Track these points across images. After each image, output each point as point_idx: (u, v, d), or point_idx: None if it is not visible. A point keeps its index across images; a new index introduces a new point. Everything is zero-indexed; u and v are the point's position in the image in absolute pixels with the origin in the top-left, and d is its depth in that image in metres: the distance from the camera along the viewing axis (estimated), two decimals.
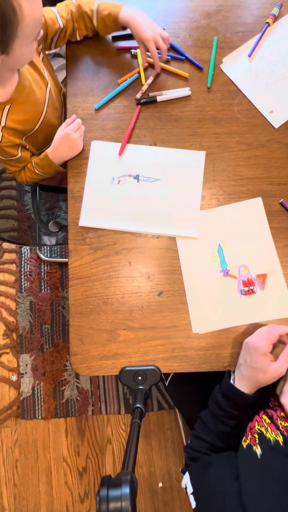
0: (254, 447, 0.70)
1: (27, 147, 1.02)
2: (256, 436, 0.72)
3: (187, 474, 0.76)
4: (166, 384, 1.09)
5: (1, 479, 1.56)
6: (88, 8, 0.95)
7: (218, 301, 0.90)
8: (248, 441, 0.72)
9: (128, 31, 0.99)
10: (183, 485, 0.76)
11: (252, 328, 0.89)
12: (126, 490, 0.49)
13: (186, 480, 0.75)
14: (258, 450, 0.69)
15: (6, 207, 1.44)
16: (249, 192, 0.95)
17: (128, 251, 0.93)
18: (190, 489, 0.73)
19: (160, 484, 1.54)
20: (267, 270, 0.91)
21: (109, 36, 1.03)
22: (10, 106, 0.89)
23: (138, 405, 0.66)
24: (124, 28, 0.98)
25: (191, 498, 0.71)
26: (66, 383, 1.63)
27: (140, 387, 0.72)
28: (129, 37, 1.03)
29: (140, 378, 0.74)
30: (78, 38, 1.00)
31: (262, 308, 0.89)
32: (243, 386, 0.77)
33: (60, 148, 0.95)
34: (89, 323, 0.90)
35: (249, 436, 0.73)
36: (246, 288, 0.90)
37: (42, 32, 0.80)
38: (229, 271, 0.91)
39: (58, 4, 0.96)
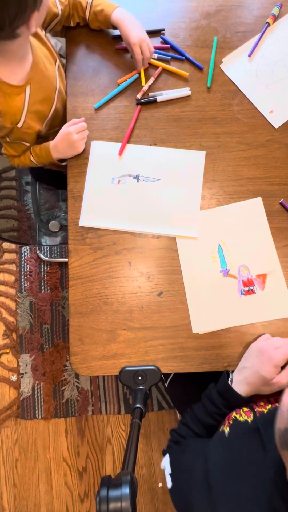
0: (225, 429, 0.73)
1: (42, 133, 1.01)
2: (231, 422, 0.74)
3: (167, 455, 0.77)
4: (166, 385, 1.09)
5: (1, 479, 1.56)
6: None
7: (218, 301, 0.90)
8: (222, 428, 0.75)
9: None
10: (162, 467, 0.77)
11: (253, 329, 0.89)
12: (126, 490, 0.49)
13: (166, 461, 0.77)
14: (226, 430, 0.72)
15: (6, 207, 1.44)
16: (249, 192, 0.95)
17: (128, 251, 0.93)
18: (168, 470, 0.74)
19: (160, 484, 1.54)
20: (267, 270, 0.91)
21: (109, 36, 1.03)
22: (30, 86, 0.89)
23: (138, 405, 0.66)
24: (114, 27, 0.99)
25: (168, 478, 0.73)
26: (66, 383, 1.63)
27: (140, 387, 0.72)
28: None
29: (140, 378, 0.74)
30: (72, 24, 1.02)
31: (262, 308, 0.89)
32: (241, 389, 0.78)
33: (59, 144, 0.96)
34: (89, 323, 0.90)
35: (226, 424, 0.75)
36: (246, 288, 0.90)
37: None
38: (229, 271, 0.91)
39: None
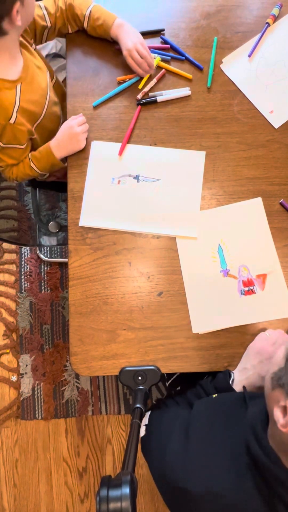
0: (213, 395, 0.77)
1: (34, 137, 1.01)
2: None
3: (149, 412, 0.82)
4: (167, 384, 1.09)
5: (1, 479, 1.56)
6: (80, 11, 0.97)
7: (218, 301, 0.90)
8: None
9: None
10: (142, 423, 0.79)
11: (253, 329, 0.89)
12: (126, 490, 0.49)
13: (146, 417, 0.81)
14: (214, 395, 0.77)
15: (6, 207, 1.44)
16: (249, 192, 0.95)
17: (128, 251, 0.93)
18: (145, 422, 0.79)
19: None
20: (267, 270, 0.91)
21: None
22: (21, 85, 0.89)
23: (138, 405, 0.67)
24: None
25: (143, 429, 0.78)
26: (66, 384, 1.63)
27: (140, 387, 0.72)
28: None
29: (140, 378, 0.74)
30: (70, 31, 1.02)
31: (262, 308, 0.89)
32: (240, 390, 0.78)
33: (61, 138, 0.96)
34: (89, 323, 0.90)
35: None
36: (246, 288, 0.90)
37: None
38: (229, 271, 0.91)
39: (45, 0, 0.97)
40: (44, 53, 1.16)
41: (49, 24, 0.96)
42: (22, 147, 0.97)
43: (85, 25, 0.99)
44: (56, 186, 1.34)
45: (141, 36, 0.98)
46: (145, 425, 0.79)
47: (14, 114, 0.90)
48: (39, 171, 1.01)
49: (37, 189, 1.40)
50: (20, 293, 1.72)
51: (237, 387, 0.78)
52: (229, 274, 0.91)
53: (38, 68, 0.96)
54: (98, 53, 1.03)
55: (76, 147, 0.97)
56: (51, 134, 1.01)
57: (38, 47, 1.02)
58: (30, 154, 1.01)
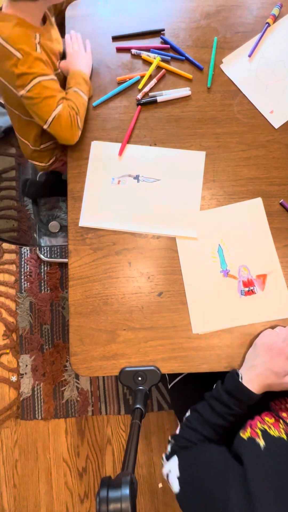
0: (256, 439, 0.69)
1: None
2: (259, 431, 0.71)
3: (174, 459, 0.73)
4: (169, 386, 1.08)
5: (1, 479, 1.56)
6: None
7: (218, 302, 0.90)
8: (248, 434, 0.72)
9: (128, 32, 1.01)
10: (166, 471, 0.74)
11: (253, 329, 0.89)
12: (126, 491, 0.49)
13: (171, 465, 0.73)
14: (261, 442, 0.68)
15: (6, 207, 1.44)
16: (249, 193, 0.95)
17: (128, 251, 0.93)
18: (175, 474, 0.70)
19: (160, 485, 1.54)
20: (267, 271, 0.91)
21: (109, 36, 1.03)
22: (40, 35, 0.89)
23: (138, 406, 0.66)
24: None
25: (176, 482, 0.69)
26: (66, 384, 1.63)
27: (140, 387, 0.72)
28: (129, 37, 1.03)
29: (140, 378, 0.74)
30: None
31: (262, 309, 0.89)
32: (252, 387, 0.77)
33: (73, 59, 0.99)
34: (89, 324, 0.90)
35: (249, 430, 0.73)
36: (246, 289, 0.90)
37: None
38: (229, 271, 0.91)
39: None
40: None
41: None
42: (50, 76, 0.91)
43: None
44: (55, 192, 1.34)
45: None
46: (177, 477, 0.70)
47: (39, 48, 0.88)
48: (85, 94, 0.97)
49: (37, 189, 1.40)
50: (20, 293, 1.72)
51: (249, 385, 0.76)
52: (229, 274, 0.91)
53: (56, 39, 0.97)
54: (98, 53, 1.03)
55: (89, 61, 1.01)
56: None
57: None
58: (75, 87, 0.96)
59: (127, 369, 0.76)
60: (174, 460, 0.73)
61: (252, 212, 0.94)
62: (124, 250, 0.93)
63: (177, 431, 0.82)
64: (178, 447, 0.78)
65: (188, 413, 0.83)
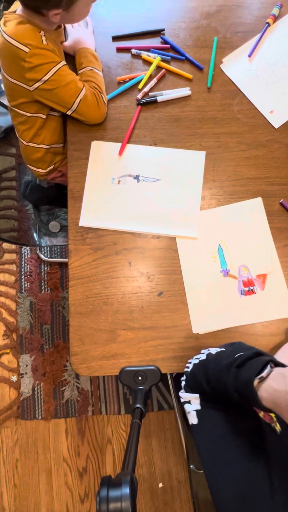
0: (272, 424, 0.65)
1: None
2: (273, 415, 0.66)
3: (196, 395, 0.71)
4: (173, 375, 1.05)
5: (1, 479, 1.56)
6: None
7: (218, 301, 0.90)
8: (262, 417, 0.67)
9: (128, 32, 1.01)
10: (184, 398, 0.72)
11: (253, 329, 0.89)
12: (126, 490, 0.49)
13: (191, 397, 0.71)
14: (277, 427, 0.64)
15: (6, 207, 1.44)
16: (249, 192, 0.95)
17: (128, 251, 0.93)
18: (195, 407, 0.69)
19: (160, 485, 1.54)
20: (267, 270, 0.91)
21: (109, 36, 1.03)
22: (45, 34, 0.88)
23: (138, 405, 0.66)
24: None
25: (194, 414, 0.69)
26: (66, 384, 1.63)
27: (140, 387, 0.72)
28: (129, 37, 1.03)
29: (140, 378, 0.74)
30: None
31: (262, 308, 0.89)
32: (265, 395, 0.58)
33: (81, 37, 0.99)
34: (89, 323, 0.90)
35: (262, 414, 0.68)
36: (246, 288, 0.90)
37: None
38: (229, 271, 0.91)
39: None
40: None
41: None
42: (60, 64, 0.91)
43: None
44: (57, 203, 1.34)
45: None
46: (195, 410, 0.68)
47: (45, 41, 0.88)
48: (100, 70, 0.99)
49: (37, 189, 1.40)
50: (20, 293, 1.72)
51: (266, 398, 0.56)
52: (229, 274, 0.91)
53: (59, 51, 0.97)
54: (98, 53, 1.03)
55: (91, 37, 1.02)
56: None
57: None
58: (88, 67, 0.97)
59: (127, 368, 0.76)
60: (196, 396, 0.71)
61: (252, 212, 0.94)
62: (124, 250, 0.93)
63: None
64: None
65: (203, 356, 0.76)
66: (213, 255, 0.92)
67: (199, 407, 0.69)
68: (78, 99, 0.92)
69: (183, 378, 0.78)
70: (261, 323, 0.89)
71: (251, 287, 0.90)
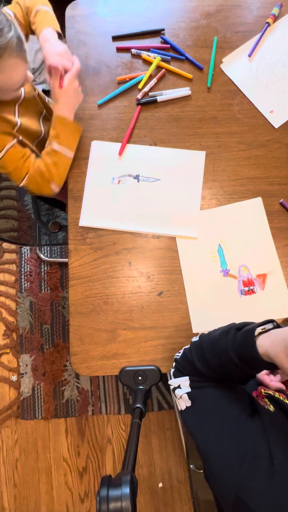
0: (266, 406, 0.65)
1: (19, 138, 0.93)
2: (266, 400, 0.67)
3: (185, 378, 0.68)
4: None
5: (1, 479, 1.56)
6: (32, 5, 0.93)
7: (218, 301, 0.90)
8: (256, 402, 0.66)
9: (128, 32, 1.01)
10: (174, 383, 0.69)
11: None
12: (126, 490, 0.49)
13: (181, 381, 0.67)
14: (271, 408, 0.64)
15: (6, 207, 1.45)
16: (249, 192, 0.95)
17: (128, 251, 0.93)
18: (185, 390, 0.66)
19: (160, 484, 1.54)
20: (267, 270, 0.91)
21: (109, 36, 1.03)
22: None
23: (138, 405, 0.66)
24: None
25: (185, 397, 0.66)
26: (66, 383, 1.63)
27: (140, 387, 0.72)
28: (129, 37, 1.03)
29: (140, 378, 0.74)
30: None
31: (262, 308, 0.89)
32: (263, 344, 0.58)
33: (65, 99, 0.89)
34: (89, 323, 0.90)
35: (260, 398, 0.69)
36: (246, 288, 0.90)
37: (26, 80, 0.82)
38: (229, 271, 0.91)
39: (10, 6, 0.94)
40: (39, 56, 1.14)
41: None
42: (11, 144, 0.89)
43: (29, 19, 0.94)
44: (53, 201, 1.33)
45: (65, 49, 0.90)
46: (187, 393, 0.65)
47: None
48: (68, 148, 0.92)
49: None
50: (20, 293, 1.72)
51: (263, 345, 0.57)
52: (229, 274, 0.91)
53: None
54: (98, 53, 1.03)
55: (79, 101, 0.93)
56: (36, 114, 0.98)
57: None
58: (48, 141, 0.93)
59: (127, 368, 0.76)
60: (185, 379, 0.68)
61: (252, 211, 0.94)
62: (124, 249, 0.93)
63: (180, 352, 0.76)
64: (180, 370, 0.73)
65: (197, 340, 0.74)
66: (213, 255, 0.92)
67: (189, 389, 0.66)
68: (23, 182, 0.93)
69: (172, 367, 0.75)
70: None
71: (251, 287, 0.90)
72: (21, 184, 0.94)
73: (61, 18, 1.06)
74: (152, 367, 0.76)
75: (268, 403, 0.66)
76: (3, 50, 0.73)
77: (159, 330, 0.90)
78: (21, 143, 0.95)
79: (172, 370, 0.74)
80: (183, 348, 0.76)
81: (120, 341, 0.89)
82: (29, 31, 0.96)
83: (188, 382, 0.67)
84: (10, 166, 0.91)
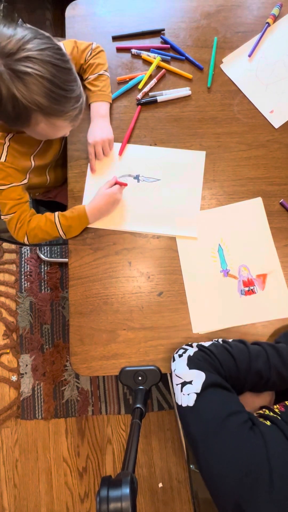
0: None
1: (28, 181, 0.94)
2: (261, 419, 0.69)
3: (199, 373, 0.68)
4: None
5: (1, 479, 1.56)
6: (95, 65, 0.97)
7: (218, 301, 0.90)
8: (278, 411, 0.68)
9: (128, 32, 1.01)
10: (185, 375, 0.70)
11: (253, 329, 0.89)
12: (126, 490, 0.49)
13: (195, 375, 0.68)
14: (267, 423, 0.66)
15: None
16: (249, 192, 0.95)
17: (128, 251, 0.93)
18: (196, 389, 0.66)
19: (160, 484, 1.54)
20: (267, 270, 0.91)
21: (109, 36, 1.03)
22: (12, 136, 0.86)
23: (138, 405, 0.67)
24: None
25: (193, 396, 0.66)
26: (66, 383, 1.63)
27: (140, 387, 0.72)
28: (129, 37, 1.03)
29: (140, 378, 0.74)
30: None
31: (262, 308, 0.89)
32: None
33: (99, 205, 0.91)
34: (89, 323, 0.90)
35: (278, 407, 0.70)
36: (246, 288, 0.90)
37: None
38: (229, 271, 0.91)
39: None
40: None
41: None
42: (18, 183, 0.91)
43: (86, 76, 0.97)
44: (52, 203, 1.33)
45: (112, 134, 0.96)
46: (196, 393, 0.66)
47: (4, 155, 0.86)
48: (61, 230, 0.92)
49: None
50: (20, 293, 1.72)
51: None
52: (229, 274, 0.91)
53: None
54: None
55: (112, 210, 0.94)
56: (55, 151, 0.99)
57: None
58: (58, 213, 0.92)
59: (127, 368, 0.76)
60: (200, 375, 0.68)
61: (252, 211, 0.94)
62: (124, 250, 0.93)
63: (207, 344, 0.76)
64: (204, 362, 0.72)
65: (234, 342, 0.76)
66: (213, 255, 0.92)
67: (199, 390, 0.66)
68: (5, 218, 0.92)
69: (180, 354, 0.74)
70: (261, 323, 0.89)
71: (251, 287, 0.90)
72: (3, 217, 0.93)
73: (61, 18, 1.06)
74: (152, 367, 0.76)
75: (263, 420, 0.68)
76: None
77: (159, 330, 0.90)
78: (26, 187, 0.95)
79: (184, 362, 0.72)
80: (196, 345, 0.77)
81: (120, 341, 0.89)
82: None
83: (202, 380, 0.66)
84: (4, 198, 0.90)
